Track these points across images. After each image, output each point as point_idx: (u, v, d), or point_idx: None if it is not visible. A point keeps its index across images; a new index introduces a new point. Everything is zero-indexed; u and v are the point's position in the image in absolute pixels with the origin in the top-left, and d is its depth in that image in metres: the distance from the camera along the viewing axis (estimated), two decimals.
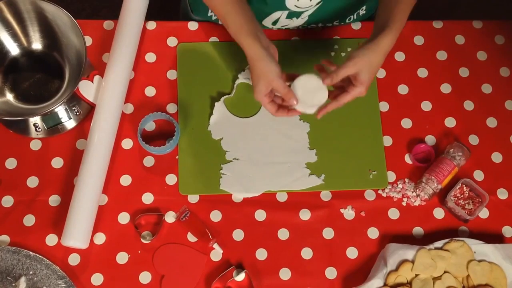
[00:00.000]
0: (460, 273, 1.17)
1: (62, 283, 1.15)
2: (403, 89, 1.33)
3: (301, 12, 1.26)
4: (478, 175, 1.27)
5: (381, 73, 1.33)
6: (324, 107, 1.13)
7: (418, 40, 1.36)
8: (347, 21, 1.34)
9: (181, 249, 1.20)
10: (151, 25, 1.35)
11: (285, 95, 1.12)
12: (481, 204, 1.23)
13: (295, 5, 1.23)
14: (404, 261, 1.17)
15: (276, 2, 1.23)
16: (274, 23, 1.31)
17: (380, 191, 1.25)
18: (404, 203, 1.24)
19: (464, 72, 1.34)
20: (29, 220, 1.20)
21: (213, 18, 1.35)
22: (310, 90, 1.12)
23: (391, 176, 1.26)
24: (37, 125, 1.24)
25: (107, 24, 1.34)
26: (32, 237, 1.19)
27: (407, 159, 1.28)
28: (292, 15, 1.27)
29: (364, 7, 1.33)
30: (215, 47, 1.33)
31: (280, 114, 1.15)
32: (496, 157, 1.28)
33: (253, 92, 1.14)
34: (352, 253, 1.21)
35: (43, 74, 1.27)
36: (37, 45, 1.27)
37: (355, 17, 1.34)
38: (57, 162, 1.24)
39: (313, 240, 1.22)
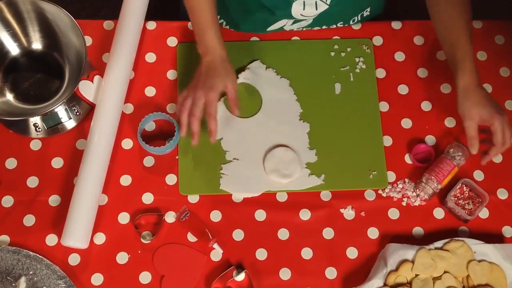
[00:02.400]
0: (460, 273, 1.17)
1: (62, 283, 1.15)
2: (403, 89, 1.33)
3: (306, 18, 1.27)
4: (478, 175, 1.27)
5: (381, 73, 1.33)
6: (487, 154, 1.20)
7: (418, 40, 1.36)
8: (350, 22, 1.34)
9: (181, 249, 1.20)
10: (151, 25, 1.35)
11: (235, 100, 1.19)
12: (481, 204, 1.23)
13: (301, 14, 1.24)
14: (404, 261, 1.17)
15: (283, 12, 1.25)
16: (279, 29, 1.33)
17: (380, 191, 1.25)
18: (404, 203, 1.24)
19: None
20: (29, 220, 1.20)
21: None
22: (285, 162, 1.23)
23: (391, 176, 1.26)
24: (37, 125, 1.24)
25: (107, 24, 1.34)
26: (32, 237, 1.19)
27: (407, 159, 1.28)
28: (297, 21, 1.28)
29: (368, 9, 1.33)
30: None
31: None
32: (496, 157, 1.28)
33: (201, 85, 1.17)
34: (352, 253, 1.21)
35: (43, 74, 1.27)
36: (37, 45, 1.27)
37: (359, 18, 1.34)
38: (57, 162, 1.24)
39: (313, 240, 1.21)
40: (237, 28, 1.34)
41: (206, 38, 1.19)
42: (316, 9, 1.23)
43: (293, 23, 1.30)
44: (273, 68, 1.32)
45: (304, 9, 1.23)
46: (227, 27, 1.36)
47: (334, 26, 1.34)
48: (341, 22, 1.34)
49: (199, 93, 1.16)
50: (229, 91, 1.18)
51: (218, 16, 1.33)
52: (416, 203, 1.24)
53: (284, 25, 1.31)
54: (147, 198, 1.23)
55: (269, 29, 1.33)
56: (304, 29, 1.34)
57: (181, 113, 1.16)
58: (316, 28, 1.34)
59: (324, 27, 1.34)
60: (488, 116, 1.16)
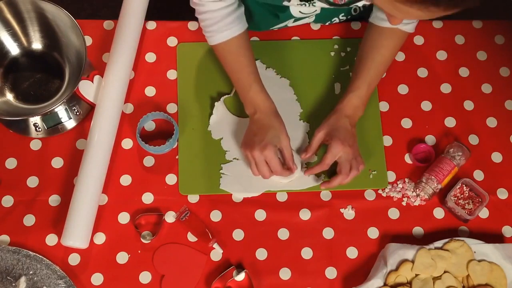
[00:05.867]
0: (460, 273, 1.17)
1: (62, 283, 1.15)
2: (403, 89, 1.33)
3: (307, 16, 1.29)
4: (478, 175, 1.27)
5: None
6: (327, 182, 1.21)
7: (418, 40, 1.36)
8: (352, 12, 1.34)
9: (181, 249, 1.20)
10: (151, 25, 1.35)
11: (290, 158, 1.19)
12: (481, 204, 1.23)
13: (300, 11, 1.27)
14: (404, 261, 1.17)
15: (284, 14, 1.27)
16: (283, 27, 1.34)
17: (380, 191, 1.25)
18: (404, 203, 1.24)
19: (464, 72, 1.34)
20: (29, 220, 1.20)
21: None
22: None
23: (391, 176, 1.26)
24: (37, 125, 1.24)
25: (107, 24, 1.34)
26: (32, 237, 1.19)
27: (407, 159, 1.28)
28: (298, 20, 1.30)
29: None
30: None
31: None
32: (496, 157, 1.28)
33: (253, 144, 1.17)
34: (352, 253, 1.21)
35: (43, 74, 1.27)
36: (37, 45, 1.27)
37: (361, 9, 1.34)
38: (57, 162, 1.24)
39: (313, 240, 1.21)
40: None
41: (251, 95, 1.20)
42: (314, 5, 1.24)
43: (295, 21, 1.31)
44: (273, 68, 1.32)
45: (300, 10, 1.26)
46: None
47: (337, 19, 1.34)
48: (343, 14, 1.34)
49: (256, 153, 1.17)
50: (283, 151, 1.19)
51: None
52: (416, 203, 1.24)
53: (287, 24, 1.32)
54: (147, 198, 1.23)
55: (273, 28, 1.34)
56: (310, 23, 1.36)
57: (255, 174, 1.20)
58: (319, 25, 1.35)
59: (328, 23, 1.35)
60: (334, 140, 1.17)
